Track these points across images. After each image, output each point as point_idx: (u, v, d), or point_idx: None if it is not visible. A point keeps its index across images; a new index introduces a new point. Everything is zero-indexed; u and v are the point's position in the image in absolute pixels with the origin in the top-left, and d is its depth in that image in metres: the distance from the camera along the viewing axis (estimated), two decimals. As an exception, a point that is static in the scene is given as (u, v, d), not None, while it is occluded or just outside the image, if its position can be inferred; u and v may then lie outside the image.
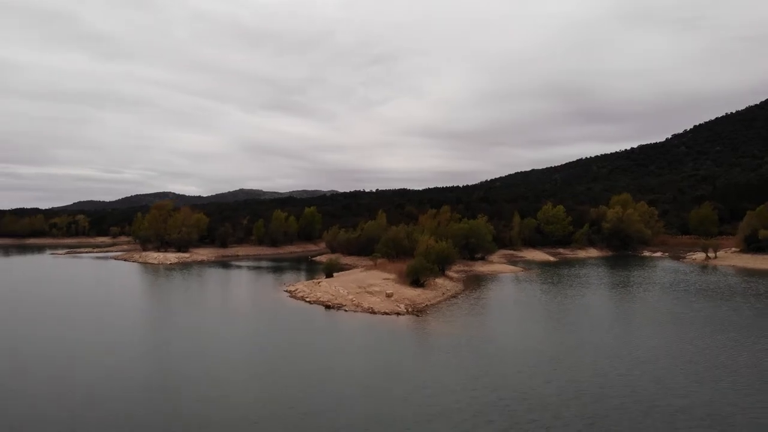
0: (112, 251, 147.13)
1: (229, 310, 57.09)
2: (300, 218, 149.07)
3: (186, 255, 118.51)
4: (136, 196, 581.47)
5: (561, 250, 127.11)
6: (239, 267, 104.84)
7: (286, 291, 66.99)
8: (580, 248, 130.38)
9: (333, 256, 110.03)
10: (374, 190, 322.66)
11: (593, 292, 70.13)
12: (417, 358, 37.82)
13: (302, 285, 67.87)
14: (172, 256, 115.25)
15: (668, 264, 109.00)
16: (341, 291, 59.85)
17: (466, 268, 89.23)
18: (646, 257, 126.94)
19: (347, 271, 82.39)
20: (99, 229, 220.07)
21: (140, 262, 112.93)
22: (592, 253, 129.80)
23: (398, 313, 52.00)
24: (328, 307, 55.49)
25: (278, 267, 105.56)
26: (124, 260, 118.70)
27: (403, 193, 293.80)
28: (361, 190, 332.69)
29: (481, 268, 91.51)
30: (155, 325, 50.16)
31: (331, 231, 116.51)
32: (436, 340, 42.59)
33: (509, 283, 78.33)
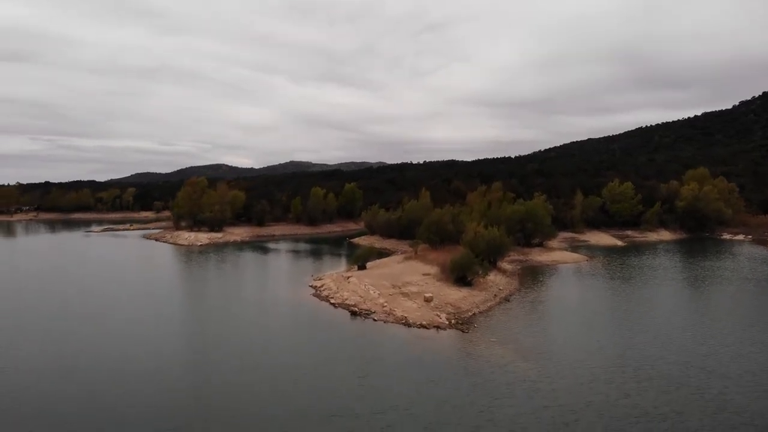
0: (150, 227, 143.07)
1: (239, 312, 48.59)
2: (340, 195, 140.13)
3: (219, 235, 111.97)
4: (190, 168, 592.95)
5: (629, 233, 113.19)
6: (272, 250, 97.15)
7: (312, 286, 58.13)
8: (650, 230, 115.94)
9: (370, 240, 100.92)
10: (422, 162, 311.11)
11: (678, 293, 58.00)
12: (459, 412, 27.84)
13: (330, 279, 58.80)
14: (203, 237, 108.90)
15: (755, 251, 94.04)
16: (371, 292, 50.35)
17: (521, 257, 78.05)
18: (726, 240, 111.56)
19: (383, 261, 72.82)
20: (143, 203, 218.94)
21: (171, 243, 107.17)
22: (664, 235, 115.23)
23: (438, 327, 42.03)
24: (354, 313, 46.14)
25: (313, 250, 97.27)
26: (156, 240, 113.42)
27: (451, 164, 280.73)
28: (409, 162, 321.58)
29: (538, 257, 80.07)
30: (140, 333, 42.00)
31: (371, 211, 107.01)
32: (488, 374, 32.49)
33: (572, 279, 66.82)
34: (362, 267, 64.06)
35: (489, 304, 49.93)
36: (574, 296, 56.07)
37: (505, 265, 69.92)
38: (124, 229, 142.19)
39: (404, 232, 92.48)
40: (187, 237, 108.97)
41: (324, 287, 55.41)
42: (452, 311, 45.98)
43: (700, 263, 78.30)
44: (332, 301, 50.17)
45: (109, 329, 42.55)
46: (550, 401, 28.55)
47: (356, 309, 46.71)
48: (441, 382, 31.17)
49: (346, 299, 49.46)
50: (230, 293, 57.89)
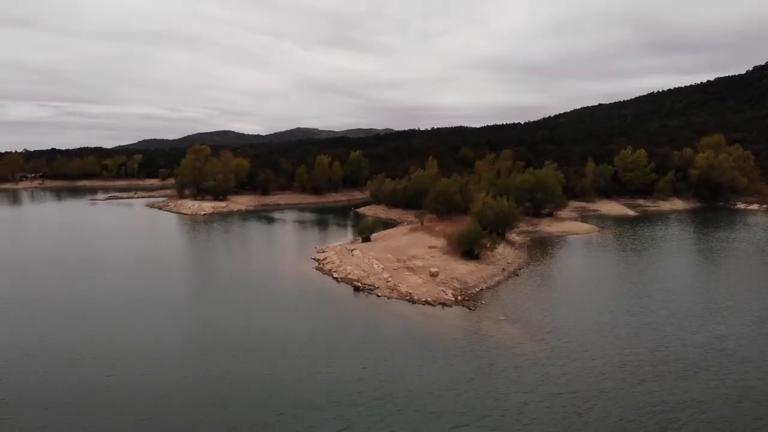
0: (154, 196, 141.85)
1: (238, 286, 47.27)
2: (345, 163, 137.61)
3: (222, 204, 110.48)
4: (197, 134, 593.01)
5: (641, 202, 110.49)
6: (276, 220, 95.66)
7: (315, 259, 56.68)
8: (663, 199, 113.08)
9: (376, 210, 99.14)
10: (429, 129, 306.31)
11: (692, 267, 56.08)
12: (464, 399, 26.39)
13: (333, 252, 57.26)
14: (207, 206, 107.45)
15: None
16: (375, 266, 48.77)
17: (530, 228, 76.06)
18: (740, 210, 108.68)
19: (388, 232, 71.15)
20: (149, 170, 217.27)
21: (174, 212, 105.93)
22: (677, 204, 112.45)
23: (444, 304, 40.48)
24: (357, 288, 44.64)
25: (317, 220, 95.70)
26: (159, 209, 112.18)
27: (460, 131, 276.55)
28: (416, 129, 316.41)
29: (548, 227, 78.02)
30: (132, 308, 40.73)
31: (376, 180, 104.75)
32: (495, 356, 30.99)
33: (582, 252, 64.92)
34: (367, 239, 62.44)
35: (497, 279, 48.28)
36: (585, 270, 54.24)
37: (513, 236, 68.06)
38: (128, 197, 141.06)
39: (410, 202, 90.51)
40: (191, 206, 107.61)
41: (327, 260, 53.91)
42: (458, 287, 44.39)
43: (715, 234, 76.05)
44: (335, 275, 48.68)
45: (101, 315, 41.39)
46: (561, 387, 27.06)
47: (359, 284, 45.19)
48: (445, 366, 29.72)
49: (349, 274, 47.94)
50: (230, 268, 56.52)
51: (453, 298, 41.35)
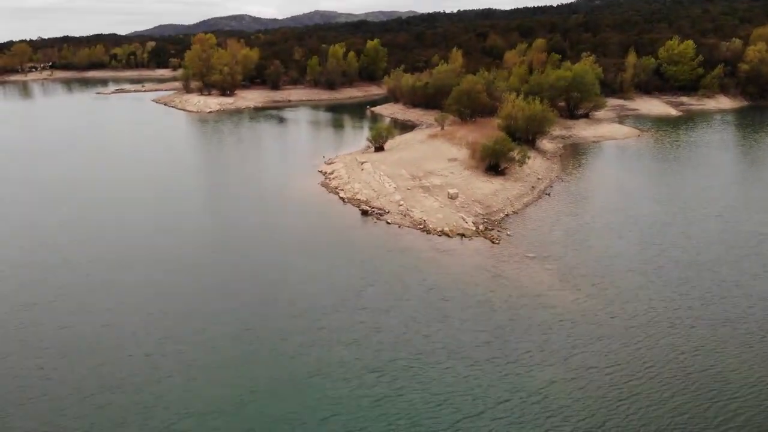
0: (163, 89, 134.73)
1: (232, 209, 42.59)
2: (362, 54, 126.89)
3: (229, 100, 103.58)
4: (214, 19, 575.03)
5: (684, 100, 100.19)
6: (284, 120, 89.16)
7: (322, 172, 51.31)
8: (708, 97, 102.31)
9: (393, 110, 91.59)
10: (455, 12, 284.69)
11: (751, 186, 49.33)
12: (477, 371, 21.93)
13: (342, 164, 51.65)
14: (213, 102, 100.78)
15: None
16: (387, 185, 43.23)
17: (563, 132, 68.66)
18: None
19: (404, 138, 64.71)
20: (159, 60, 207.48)
21: (180, 109, 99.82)
22: (723, 103, 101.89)
23: (463, 234, 35.34)
24: (365, 212, 39.53)
25: (329, 120, 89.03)
26: (165, 104, 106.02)
27: (488, 14, 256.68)
28: (441, 11, 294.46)
29: (583, 131, 70.43)
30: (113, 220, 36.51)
31: (394, 74, 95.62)
32: (518, 308, 26.26)
33: (621, 163, 58.19)
34: (380, 148, 56.37)
35: (525, 200, 42.64)
36: (625, 188, 48.03)
37: (545, 143, 61.22)
38: (134, 91, 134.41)
39: (431, 101, 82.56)
40: (196, 102, 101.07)
41: (334, 175, 48.50)
42: (480, 212, 38.99)
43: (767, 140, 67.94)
44: (341, 194, 43.47)
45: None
46: (597, 358, 22.40)
47: (368, 207, 40.03)
48: (457, 322, 25.13)
49: (357, 193, 42.66)
50: (228, 180, 51.64)
51: (473, 228, 36.13)
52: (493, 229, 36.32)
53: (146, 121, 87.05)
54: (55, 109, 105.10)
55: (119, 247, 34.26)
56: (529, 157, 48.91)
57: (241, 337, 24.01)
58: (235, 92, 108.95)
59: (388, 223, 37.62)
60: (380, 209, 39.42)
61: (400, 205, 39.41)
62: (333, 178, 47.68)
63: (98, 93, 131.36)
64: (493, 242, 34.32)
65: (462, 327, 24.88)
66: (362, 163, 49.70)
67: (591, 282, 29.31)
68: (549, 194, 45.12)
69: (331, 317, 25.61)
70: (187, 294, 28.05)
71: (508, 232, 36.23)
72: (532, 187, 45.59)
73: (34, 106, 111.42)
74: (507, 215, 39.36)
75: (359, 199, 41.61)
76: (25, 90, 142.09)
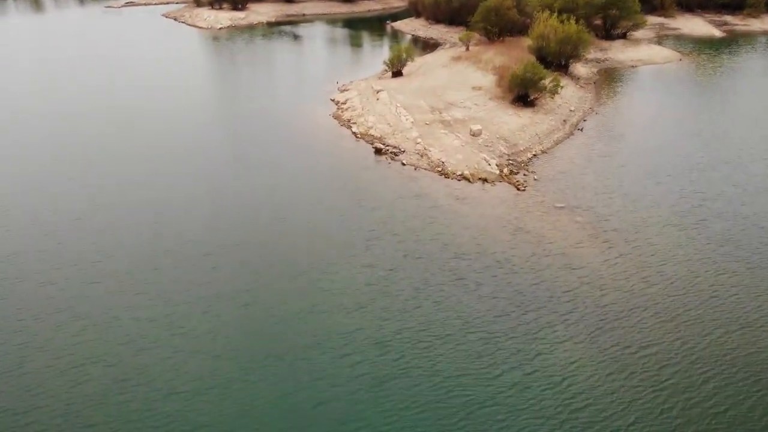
0: (173, 1, 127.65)
1: (231, 139, 39.74)
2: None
3: (241, 15, 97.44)
4: None
5: (728, 19, 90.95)
6: (298, 37, 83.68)
7: (334, 100, 47.65)
8: (754, 16, 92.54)
9: (414, 25, 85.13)
10: None
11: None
12: (492, 347, 19.72)
13: (356, 92, 47.76)
14: (224, 17, 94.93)
15: None
16: (404, 119, 39.62)
17: (598, 55, 62.73)
18: None
19: (425, 60, 59.81)
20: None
21: (189, 24, 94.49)
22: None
23: (485, 179, 32.22)
24: (379, 151, 36.36)
25: (346, 37, 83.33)
26: (174, 19, 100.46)
27: None
28: None
29: (620, 54, 64.26)
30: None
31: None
32: (542, 271, 23.70)
33: (660, 92, 53.02)
34: (398, 73, 52.01)
35: (555, 137, 38.88)
36: (665, 123, 43.54)
37: (579, 68, 55.95)
38: (144, 4, 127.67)
39: (456, 16, 76.09)
40: (206, 18, 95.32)
41: (347, 105, 44.85)
42: (505, 151, 35.57)
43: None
44: (354, 129, 40.10)
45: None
46: (628, 335, 20.02)
47: (382, 145, 36.82)
48: (472, 285, 22.75)
49: (371, 128, 39.26)
50: (230, 108, 48.22)
51: (497, 171, 32.91)
52: (518, 173, 33.11)
53: (148, 40, 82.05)
54: (63, 23, 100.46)
55: (104, 190, 31.95)
56: (561, 86, 44.37)
57: (235, 300, 22.05)
58: (247, 5, 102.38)
59: (403, 164, 34.55)
60: (395, 147, 36.23)
61: (417, 143, 36.11)
62: (346, 109, 44.12)
63: (108, 6, 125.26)
64: (518, 189, 31.24)
65: (478, 292, 22.53)
66: (378, 92, 45.76)
67: (624, 238, 26.45)
68: (582, 129, 41.15)
69: (334, 277, 23.44)
70: (175, 252, 25.86)
71: (535, 176, 33.00)
72: (564, 120, 41.56)
73: (43, 21, 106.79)
74: (535, 155, 35.90)
75: (373, 135, 38.31)
76: (35, 3, 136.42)
